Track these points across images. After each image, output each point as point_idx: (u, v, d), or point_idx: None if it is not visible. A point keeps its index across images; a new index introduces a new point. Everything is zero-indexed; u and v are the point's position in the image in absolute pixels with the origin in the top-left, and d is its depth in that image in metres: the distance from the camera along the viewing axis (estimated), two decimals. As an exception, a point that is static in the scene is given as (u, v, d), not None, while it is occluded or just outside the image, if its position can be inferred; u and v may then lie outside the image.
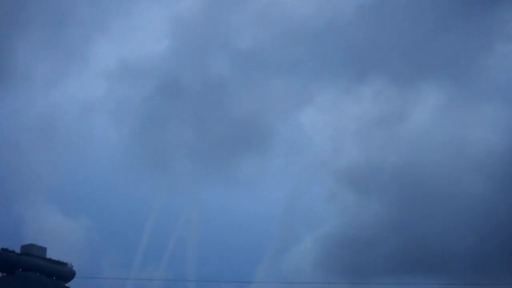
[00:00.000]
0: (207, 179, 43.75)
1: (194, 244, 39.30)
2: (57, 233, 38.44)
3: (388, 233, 38.79)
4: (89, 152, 49.37)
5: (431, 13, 46.88)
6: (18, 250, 31.61)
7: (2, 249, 31.10)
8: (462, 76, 45.90)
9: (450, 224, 38.18)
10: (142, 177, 44.91)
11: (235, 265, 42.75)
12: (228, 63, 47.82)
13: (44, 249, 32.36)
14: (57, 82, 50.51)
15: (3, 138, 44.72)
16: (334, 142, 45.84)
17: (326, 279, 37.64)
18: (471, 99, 45.49)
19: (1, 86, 44.20)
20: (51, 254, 32.52)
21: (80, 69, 54.59)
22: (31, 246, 31.77)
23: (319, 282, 33.63)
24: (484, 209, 37.89)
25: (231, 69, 47.67)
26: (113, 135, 48.00)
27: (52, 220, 40.35)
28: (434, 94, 45.92)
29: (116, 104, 48.29)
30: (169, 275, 37.36)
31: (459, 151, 41.73)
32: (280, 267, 39.55)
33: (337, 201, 41.42)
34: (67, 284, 32.60)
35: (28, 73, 48.06)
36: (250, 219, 48.46)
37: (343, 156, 44.10)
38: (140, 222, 40.43)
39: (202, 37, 48.69)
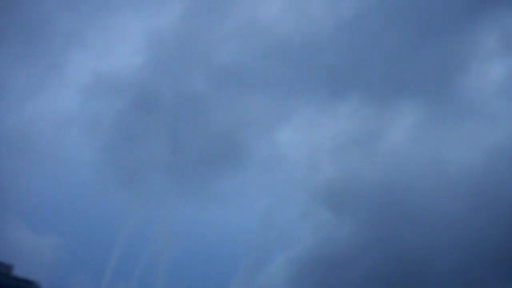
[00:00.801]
0: (182, 196, 43.27)
1: (167, 262, 38.74)
2: (25, 250, 37.83)
3: (365, 252, 38.51)
4: (62, 167, 48.65)
5: (408, 32, 46.97)
6: (-17, 267, 31.15)
7: (-33, 266, 30.63)
8: (438, 95, 45.95)
9: (428, 243, 37.95)
10: (115, 193, 44.30)
11: (208, 284, 42.20)
12: (205, 78, 47.53)
13: (11, 267, 31.82)
14: (32, 95, 49.83)
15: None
16: (310, 159, 45.60)
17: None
18: (448, 118, 45.48)
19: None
20: (18, 271, 31.98)
21: (56, 82, 53.91)
22: (-3, 263, 31.36)
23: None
24: (461, 228, 37.74)
25: (208, 84, 47.35)
26: (87, 150, 47.31)
27: (20, 237, 39.69)
28: (410, 112, 45.90)
29: (91, 118, 47.66)
30: (140, 294, 36.80)
31: (436, 169, 41.63)
32: (254, 286, 39.10)
33: (314, 219, 41.13)
34: (34, 303, 32.08)
35: (2, 85, 47.41)
36: (225, 237, 47.94)
37: (319, 174, 43.87)
38: (112, 239, 39.79)
39: (179, 52, 48.39)
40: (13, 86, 48.81)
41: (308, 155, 45.89)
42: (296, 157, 47.21)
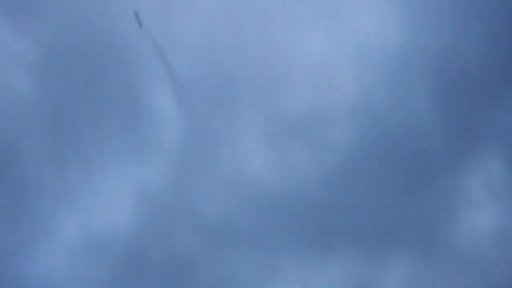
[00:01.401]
0: None
1: None
2: None
3: None
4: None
5: (396, 182, 47.15)
6: None
7: None
8: (430, 246, 45.66)
9: None
10: None
11: None
12: (193, 235, 47.42)
13: None
14: (20, 256, 49.45)
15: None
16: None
17: None
18: (440, 269, 45.10)
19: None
20: None
21: (44, 242, 53.69)
22: None
23: None
24: None
25: (196, 241, 47.18)
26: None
27: None
28: (403, 264, 45.56)
29: (80, 280, 47.27)
30: None
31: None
32: None
33: None
34: None
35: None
36: None
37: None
38: None
39: (167, 209, 48.48)
40: (2, 245, 48.42)
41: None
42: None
